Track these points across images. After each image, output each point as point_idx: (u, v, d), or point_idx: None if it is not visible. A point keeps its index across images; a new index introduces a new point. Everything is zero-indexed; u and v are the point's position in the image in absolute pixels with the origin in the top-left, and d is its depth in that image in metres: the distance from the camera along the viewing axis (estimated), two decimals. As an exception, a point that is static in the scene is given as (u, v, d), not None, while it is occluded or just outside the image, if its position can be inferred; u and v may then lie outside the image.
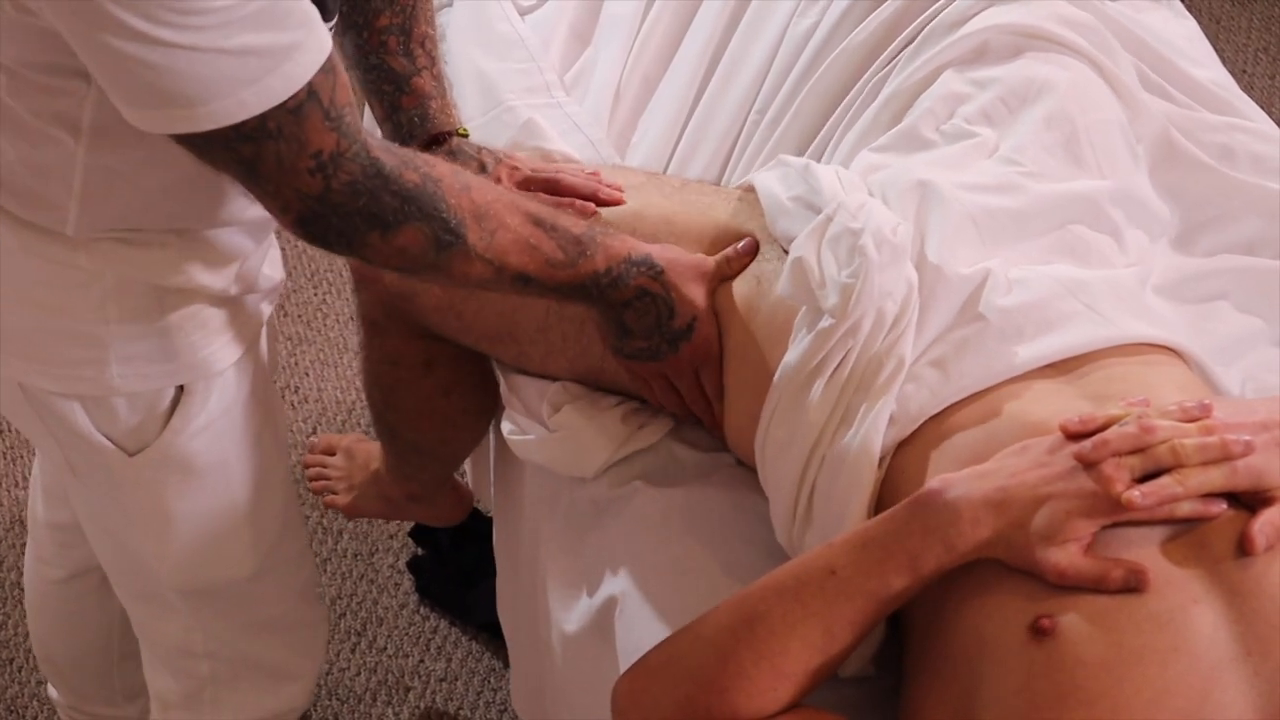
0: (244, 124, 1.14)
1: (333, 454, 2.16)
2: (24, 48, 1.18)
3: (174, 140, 1.16)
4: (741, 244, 1.49)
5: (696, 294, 1.46)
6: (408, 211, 1.26)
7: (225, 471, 1.50)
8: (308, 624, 1.73)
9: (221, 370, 1.43)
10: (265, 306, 1.49)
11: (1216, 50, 1.83)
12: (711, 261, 1.49)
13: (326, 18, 1.26)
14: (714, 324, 1.47)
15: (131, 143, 1.21)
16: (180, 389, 1.42)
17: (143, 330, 1.37)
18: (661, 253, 1.46)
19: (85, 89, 1.20)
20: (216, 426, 1.46)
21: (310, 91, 1.16)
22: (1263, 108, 1.78)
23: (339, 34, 1.55)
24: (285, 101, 1.14)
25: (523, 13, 1.94)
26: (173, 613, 1.61)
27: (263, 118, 1.14)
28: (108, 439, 1.42)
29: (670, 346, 1.47)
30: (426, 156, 1.31)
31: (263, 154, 1.17)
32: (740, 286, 1.48)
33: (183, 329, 1.38)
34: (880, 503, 1.29)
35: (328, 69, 1.17)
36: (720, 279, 1.49)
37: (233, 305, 1.43)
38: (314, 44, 1.16)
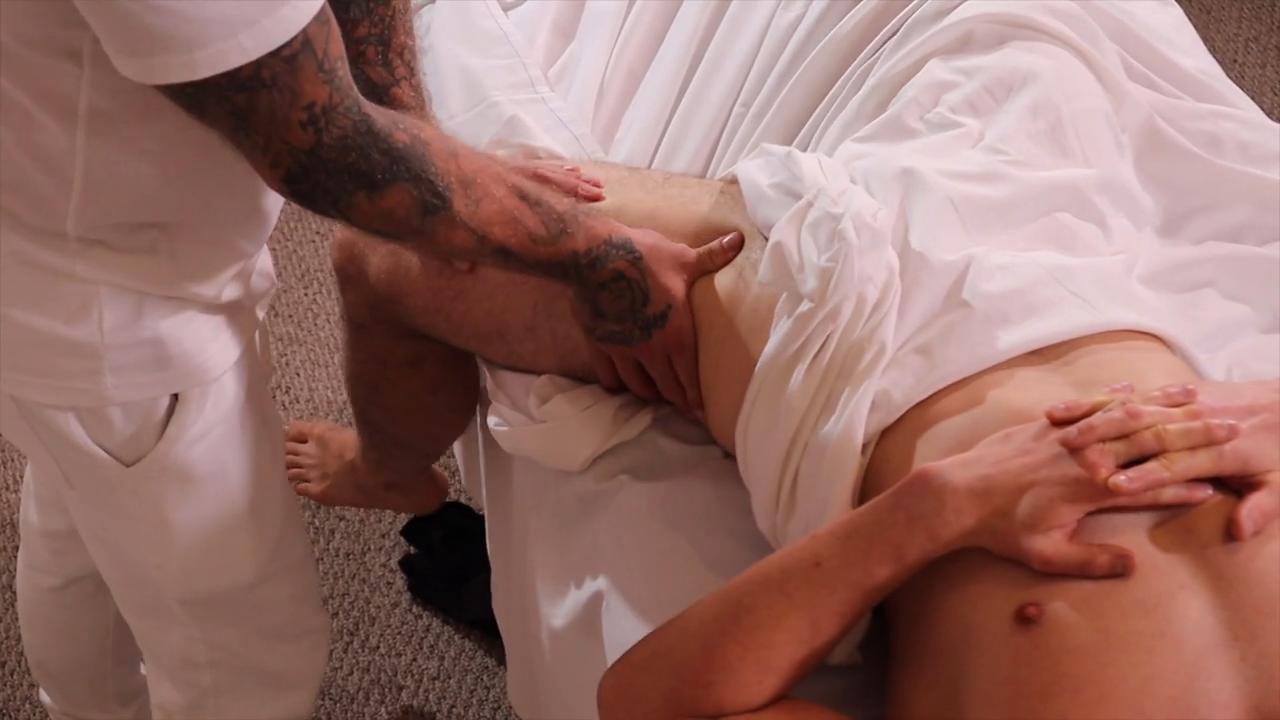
0: (239, 72, 1.13)
1: (304, 441, 2.13)
2: (15, 18, 1.16)
3: (166, 95, 1.15)
4: (726, 239, 1.49)
5: (674, 283, 1.46)
6: (396, 171, 1.25)
7: (224, 479, 1.49)
8: (309, 631, 1.72)
9: (216, 377, 1.42)
10: (258, 310, 1.48)
11: (1206, 40, 1.83)
12: (693, 253, 1.48)
13: None
14: (689, 315, 1.47)
15: (132, 131, 1.20)
16: (175, 397, 1.41)
17: (136, 339, 1.35)
18: (642, 238, 1.46)
19: (79, 71, 1.19)
20: (213, 434, 1.45)
21: (305, 40, 1.15)
22: (1253, 97, 1.78)
23: None
24: (280, 49, 1.13)
25: (506, 8, 1.94)
26: (175, 623, 1.60)
27: (258, 65, 1.13)
28: (104, 450, 1.40)
29: (643, 332, 1.47)
30: (415, 120, 1.30)
31: (256, 104, 1.16)
32: (723, 279, 1.47)
33: (176, 337, 1.37)
34: (864, 490, 1.29)
35: (323, 19, 1.16)
36: (701, 272, 1.48)
37: (226, 311, 1.42)
38: None
